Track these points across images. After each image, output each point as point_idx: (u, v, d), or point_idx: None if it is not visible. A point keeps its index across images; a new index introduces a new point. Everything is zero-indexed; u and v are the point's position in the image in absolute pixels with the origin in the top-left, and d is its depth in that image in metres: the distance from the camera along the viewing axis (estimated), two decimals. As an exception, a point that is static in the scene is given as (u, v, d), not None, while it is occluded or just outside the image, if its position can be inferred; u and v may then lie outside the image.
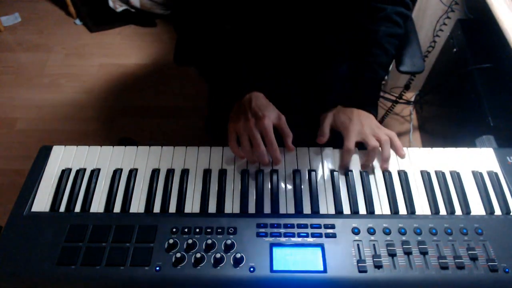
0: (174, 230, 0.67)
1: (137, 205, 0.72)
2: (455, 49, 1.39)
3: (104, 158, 0.78)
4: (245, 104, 0.79)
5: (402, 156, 0.78)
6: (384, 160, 0.77)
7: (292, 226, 0.68)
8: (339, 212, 0.71)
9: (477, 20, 1.40)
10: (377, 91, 0.90)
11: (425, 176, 0.75)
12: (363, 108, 0.83)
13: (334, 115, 0.84)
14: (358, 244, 0.66)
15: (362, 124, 0.80)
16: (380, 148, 0.77)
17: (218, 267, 0.63)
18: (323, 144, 0.81)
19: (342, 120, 0.82)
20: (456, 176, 0.76)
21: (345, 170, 0.77)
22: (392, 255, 0.64)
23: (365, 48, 0.89)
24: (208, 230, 0.67)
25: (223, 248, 0.65)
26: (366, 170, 0.77)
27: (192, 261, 0.64)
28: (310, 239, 0.66)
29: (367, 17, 0.91)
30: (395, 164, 0.78)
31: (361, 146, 0.79)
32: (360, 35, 0.91)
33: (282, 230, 0.67)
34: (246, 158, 0.77)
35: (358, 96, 0.86)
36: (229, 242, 0.65)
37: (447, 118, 1.47)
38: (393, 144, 0.78)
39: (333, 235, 0.67)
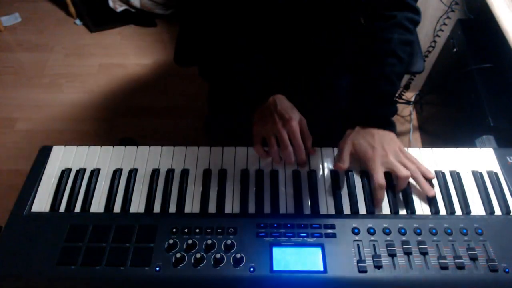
0: (174, 230, 0.67)
1: (137, 205, 0.72)
2: (455, 49, 1.39)
3: (104, 158, 0.78)
4: (270, 107, 0.80)
5: (430, 194, 0.72)
6: (428, 190, 0.72)
7: (292, 226, 0.68)
8: (339, 212, 0.71)
9: (477, 20, 1.40)
10: (396, 106, 0.84)
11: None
12: (385, 128, 0.78)
13: (354, 143, 0.77)
14: (358, 244, 0.66)
15: (385, 151, 0.74)
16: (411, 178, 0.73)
17: (218, 267, 0.63)
18: (323, 145, 0.81)
19: (363, 148, 0.75)
20: (456, 176, 0.76)
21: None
22: (392, 255, 0.64)
23: (380, 58, 0.84)
24: (208, 230, 0.67)
25: (223, 248, 0.65)
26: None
27: (192, 261, 0.64)
28: (310, 239, 0.66)
29: (381, 25, 0.88)
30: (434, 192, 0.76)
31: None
32: (373, 45, 0.88)
33: (282, 230, 0.67)
34: (272, 159, 0.77)
35: (379, 113, 0.80)
36: (229, 242, 0.65)
37: (447, 118, 1.47)
38: (418, 179, 0.73)
39: (333, 235, 0.67)
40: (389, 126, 0.79)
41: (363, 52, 0.89)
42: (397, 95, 0.85)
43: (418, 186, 0.73)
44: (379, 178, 0.71)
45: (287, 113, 0.77)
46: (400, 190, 0.74)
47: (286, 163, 0.77)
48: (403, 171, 0.72)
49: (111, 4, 2.23)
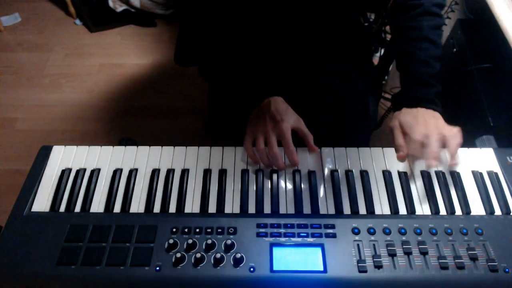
0: (174, 230, 0.67)
1: (137, 205, 0.72)
2: (455, 49, 1.39)
3: (104, 158, 0.78)
4: (264, 108, 0.80)
5: (452, 165, 0.76)
6: (452, 156, 0.75)
7: (292, 226, 0.68)
8: (339, 212, 0.71)
9: (477, 20, 1.40)
10: (440, 86, 0.87)
11: (425, 176, 0.75)
12: (429, 108, 0.82)
13: (400, 121, 0.81)
14: (358, 244, 0.66)
15: (426, 123, 0.78)
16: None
17: (218, 267, 0.63)
18: (323, 145, 0.81)
19: (407, 120, 0.80)
20: (456, 176, 0.76)
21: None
22: (392, 255, 0.64)
23: (413, 45, 0.87)
24: (208, 230, 0.67)
25: (223, 248, 0.65)
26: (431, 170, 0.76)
27: (192, 261, 0.64)
28: (310, 239, 0.66)
29: (407, 16, 0.89)
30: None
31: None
32: (404, 35, 0.90)
33: (282, 230, 0.67)
34: (260, 160, 0.77)
35: (420, 95, 0.84)
36: (229, 242, 0.65)
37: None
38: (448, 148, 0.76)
39: (333, 235, 0.67)
40: (433, 105, 0.82)
41: (396, 45, 0.92)
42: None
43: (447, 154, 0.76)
44: (418, 136, 0.75)
45: (279, 114, 0.77)
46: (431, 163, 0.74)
47: (275, 166, 0.76)
48: (434, 146, 0.74)
49: (111, 4, 2.23)
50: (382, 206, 0.72)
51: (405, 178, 0.75)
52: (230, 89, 0.93)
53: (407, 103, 0.84)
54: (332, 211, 0.71)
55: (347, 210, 0.72)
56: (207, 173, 0.76)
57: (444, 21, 0.91)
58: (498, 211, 0.72)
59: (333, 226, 0.68)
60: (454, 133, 0.76)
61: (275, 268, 0.63)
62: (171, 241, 0.65)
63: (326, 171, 0.77)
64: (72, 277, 0.63)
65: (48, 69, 2.09)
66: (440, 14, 0.90)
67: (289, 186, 0.75)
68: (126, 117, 1.89)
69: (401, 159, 0.78)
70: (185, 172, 0.76)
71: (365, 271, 0.63)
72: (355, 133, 1.04)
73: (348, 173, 0.76)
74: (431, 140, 0.74)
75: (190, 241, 0.65)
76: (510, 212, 0.71)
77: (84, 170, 0.77)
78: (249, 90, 0.85)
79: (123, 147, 0.80)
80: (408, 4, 0.89)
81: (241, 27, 0.94)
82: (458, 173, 0.76)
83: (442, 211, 0.71)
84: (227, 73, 0.91)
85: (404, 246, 0.65)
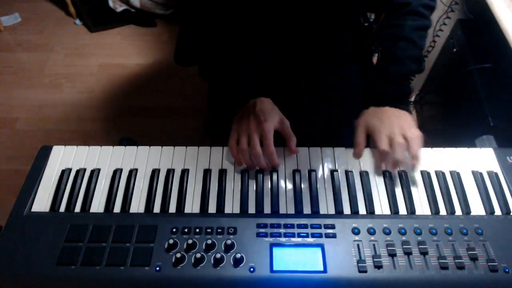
0: (174, 230, 0.67)
1: (137, 205, 0.72)
2: (455, 49, 1.39)
3: (104, 158, 0.78)
4: (250, 108, 0.80)
5: (413, 165, 0.76)
6: (413, 157, 0.76)
7: (292, 226, 0.68)
8: (339, 212, 0.71)
9: (477, 20, 1.40)
10: (409, 87, 0.88)
11: (425, 176, 0.75)
12: (396, 106, 0.82)
13: (366, 121, 0.82)
14: (358, 244, 0.66)
15: (391, 123, 0.78)
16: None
17: (218, 267, 0.63)
18: (323, 145, 0.81)
19: (373, 122, 0.81)
20: (456, 176, 0.76)
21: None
22: (392, 255, 0.64)
23: (391, 43, 0.87)
24: (208, 230, 0.67)
25: (223, 248, 0.65)
26: (404, 169, 0.76)
27: (192, 261, 0.64)
28: (310, 239, 0.66)
29: (392, 14, 0.90)
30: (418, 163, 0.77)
31: (372, 145, 0.79)
32: (385, 33, 0.90)
33: (282, 230, 0.67)
34: (243, 161, 0.76)
35: (388, 93, 0.84)
36: (229, 242, 0.65)
37: (447, 118, 1.47)
38: (410, 148, 0.76)
39: (333, 235, 0.67)
40: (402, 105, 0.83)
41: (379, 40, 0.92)
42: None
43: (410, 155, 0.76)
44: (383, 145, 0.76)
45: (263, 115, 0.77)
46: (397, 160, 0.75)
47: (257, 166, 0.76)
48: (399, 139, 0.75)
49: (111, 4, 2.23)
50: (382, 206, 0.72)
51: (405, 178, 0.75)
52: (230, 89, 0.92)
53: (375, 100, 0.84)
54: (332, 211, 0.71)
55: (347, 210, 0.72)
56: (207, 173, 0.76)
57: (430, 23, 0.91)
58: (498, 211, 0.72)
59: (333, 226, 0.68)
60: (416, 136, 0.77)
61: (275, 268, 0.63)
62: (171, 241, 0.65)
63: (326, 171, 0.77)
64: (72, 277, 0.63)
65: (48, 69, 2.09)
66: (427, 15, 0.90)
67: (289, 186, 0.75)
68: (126, 117, 1.89)
69: (356, 157, 0.79)
70: (185, 172, 0.76)
71: (365, 271, 0.63)
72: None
73: (348, 173, 0.76)
74: (395, 147, 0.75)
75: (190, 241, 0.65)
76: (510, 212, 0.71)
77: (84, 170, 0.77)
78: (249, 90, 0.85)
79: (123, 147, 0.80)
80: (396, 3, 0.89)
81: (241, 27, 0.94)
82: (458, 173, 0.76)
83: (442, 211, 0.71)
84: (227, 73, 0.91)
85: (404, 246, 0.65)
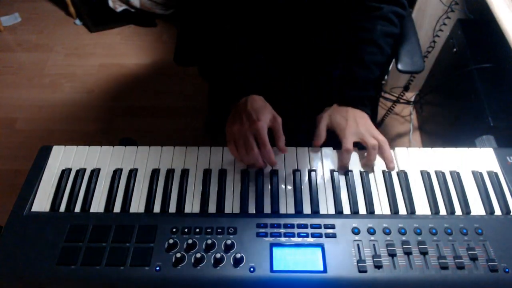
0: (174, 230, 0.67)
1: (137, 205, 0.72)
2: (455, 49, 1.39)
3: (104, 158, 0.78)
4: (240, 107, 0.80)
5: (391, 168, 0.77)
6: (390, 160, 0.77)
7: (292, 226, 0.68)
8: (339, 212, 0.71)
9: (477, 20, 1.40)
10: (373, 91, 0.89)
11: (425, 176, 0.75)
12: (358, 108, 0.84)
13: (330, 116, 0.84)
14: (358, 244, 0.66)
15: (357, 124, 0.80)
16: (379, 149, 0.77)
17: (218, 267, 0.63)
18: (323, 144, 0.81)
19: (337, 121, 0.82)
20: (456, 176, 0.76)
21: (345, 170, 0.77)
22: (392, 255, 0.64)
23: (360, 46, 0.89)
24: (208, 230, 0.67)
25: (223, 248, 0.65)
26: (367, 170, 0.77)
27: (192, 261, 0.64)
28: (310, 239, 0.66)
29: (363, 15, 0.90)
30: (395, 164, 0.78)
31: (362, 146, 0.79)
32: (354, 34, 0.91)
33: (282, 230, 0.67)
34: (243, 161, 0.77)
35: (352, 95, 0.86)
36: (229, 242, 0.65)
37: (447, 118, 1.47)
38: (384, 152, 0.78)
39: (333, 235, 0.67)
40: (364, 107, 0.85)
41: (346, 41, 0.93)
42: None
43: (381, 157, 0.78)
44: (347, 143, 0.77)
45: (255, 113, 0.77)
46: (370, 163, 0.77)
47: (256, 166, 0.76)
48: (371, 140, 0.77)
49: (111, 4, 2.23)
50: (382, 206, 0.72)
51: (405, 178, 0.75)
52: (230, 89, 0.93)
53: (339, 99, 0.86)
54: (332, 211, 0.71)
55: (347, 210, 0.72)
56: (207, 173, 0.76)
57: (398, 31, 0.92)
58: (498, 211, 0.72)
59: (333, 226, 0.68)
60: (384, 138, 0.78)
61: (275, 268, 0.63)
62: (171, 241, 0.65)
63: (326, 171, 0.77)
64: (72, 277, 0.63)
65: (48, 69, 2.09)
66: (396, 23, 0.91)
67: (289, 186, 0.75)
68: (126, 117, 1.89)
69: (315, 145, 0.81)
70: (185, 172, 0.76)
71: (365, 271, 0.63)
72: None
73: (348, 173, 0.76)
74: (370, 149, 0.76)
75: (190, 241, 0.65)
76: (510, 212, 0.71)
77: (84, 170, 0.77)
78: (249, 90, 0.85)
79: (123, 147, 0.80)
80: (368, 5, 0.90)
81: (241, 27, 0.94)
82: (458, 173, 0.76)
83: (442, 211, 0.71)
84: (227, 73, 0.91)
85: (404, 246, 0.65)
